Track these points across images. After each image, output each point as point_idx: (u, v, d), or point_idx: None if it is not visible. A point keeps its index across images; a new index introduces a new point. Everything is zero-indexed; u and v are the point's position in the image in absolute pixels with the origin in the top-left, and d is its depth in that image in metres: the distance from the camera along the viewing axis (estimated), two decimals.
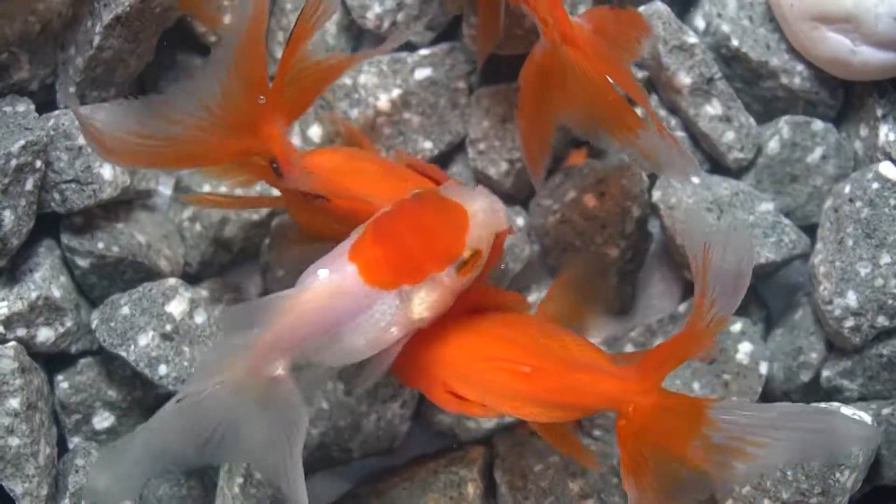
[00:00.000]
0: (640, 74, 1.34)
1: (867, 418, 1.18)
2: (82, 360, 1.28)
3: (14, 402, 1.20)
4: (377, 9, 1.32)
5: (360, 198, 1.12)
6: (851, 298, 1.23)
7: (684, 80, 1.30)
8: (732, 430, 0.99)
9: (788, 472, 1.18)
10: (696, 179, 1.29)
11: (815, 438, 0.98)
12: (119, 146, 1.07)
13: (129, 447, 1.04)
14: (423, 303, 1.06)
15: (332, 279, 1.05)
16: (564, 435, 1.14)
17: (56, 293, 1.24)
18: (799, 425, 0.99)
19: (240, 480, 1.21)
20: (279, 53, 1.35)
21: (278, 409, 1.04)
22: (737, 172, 1.34)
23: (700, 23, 1.34)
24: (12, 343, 1.21)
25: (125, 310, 1.23)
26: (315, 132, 1.34)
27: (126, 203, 1.30)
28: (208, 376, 1.03)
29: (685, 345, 1.02)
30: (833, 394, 1.27)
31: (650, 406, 1.03)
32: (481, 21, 1.25)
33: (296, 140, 1.39)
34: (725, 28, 1.31)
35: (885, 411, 1.23)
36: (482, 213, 1.07)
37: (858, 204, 1.24)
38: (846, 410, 1.18)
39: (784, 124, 1.31)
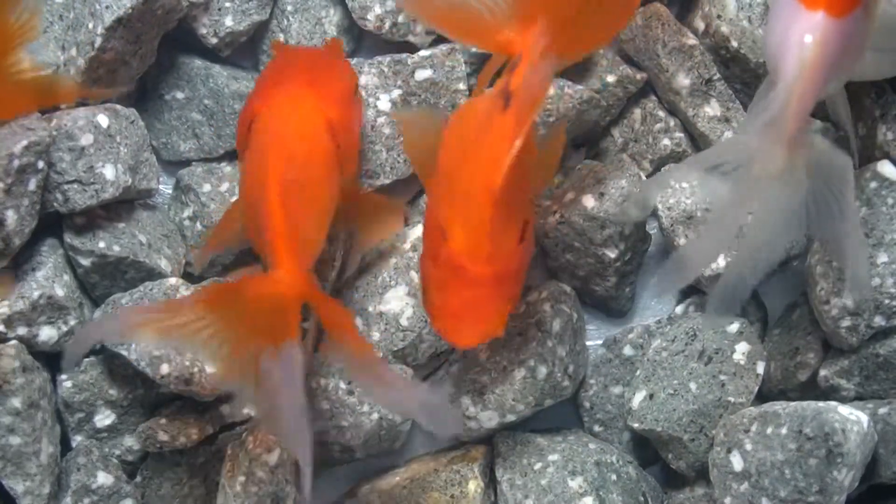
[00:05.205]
0: (639, 76, 1.34)
1: (864, 417, 1.18)
2: (86, 360, 1.28)
3: (15, 401, 1.20)
4: (378, 10, 1.33)
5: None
6: (849, 298, 1.23)
7: (683, 81, 1.31)
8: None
9: (787, 471, 1.18)
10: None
11: None
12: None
13: None
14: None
15: (817, 30, 1.02)
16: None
17: (59, 292, 1.24)
18: None
19: (241, 479, 1.21)
20: None
21: (822, 171, 1.03)
22: None
23: (699, 24, 1.34)
24: (13, 342, 1.22)
25: None
26: None
27: (127, 202, 1.31)
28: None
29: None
30: (830, 393, 1.27)
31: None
32: None
33: None
34: (725, 29, 1.31)
35: (882, 411, 1.23)
36: None
37: (856, 203, 1.24)
38: (843, 410, 1.18)
39: None
